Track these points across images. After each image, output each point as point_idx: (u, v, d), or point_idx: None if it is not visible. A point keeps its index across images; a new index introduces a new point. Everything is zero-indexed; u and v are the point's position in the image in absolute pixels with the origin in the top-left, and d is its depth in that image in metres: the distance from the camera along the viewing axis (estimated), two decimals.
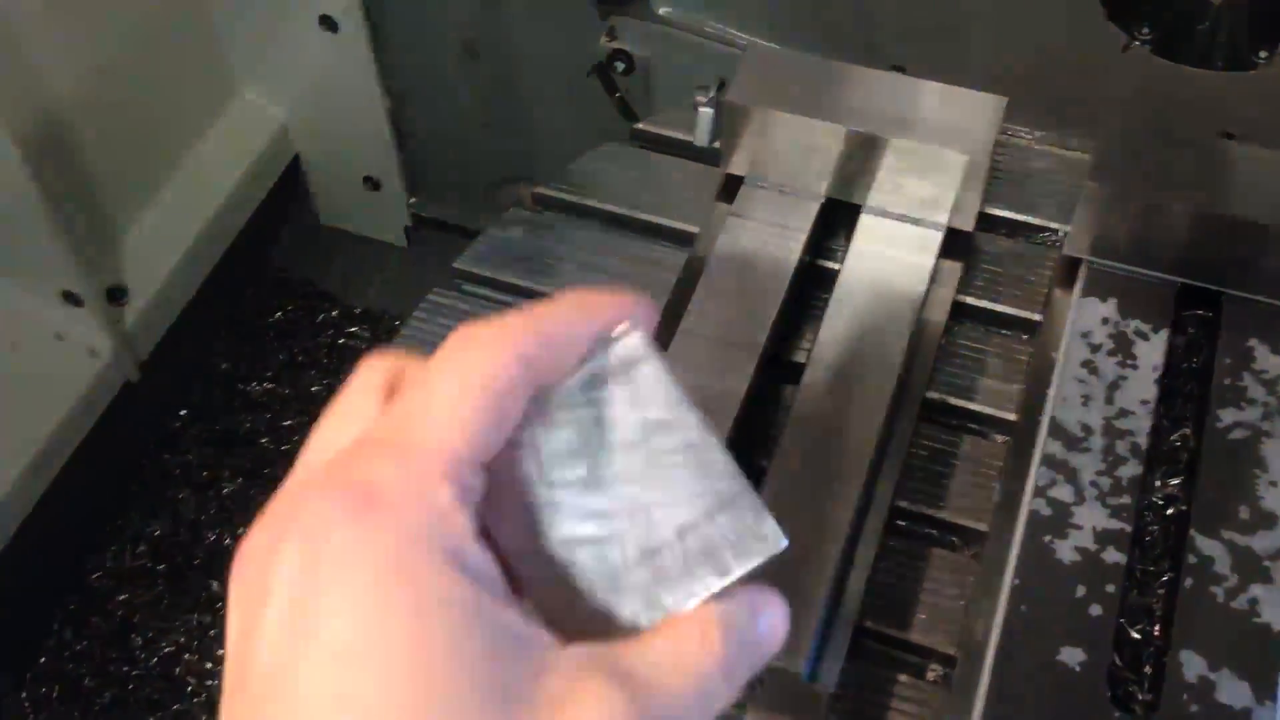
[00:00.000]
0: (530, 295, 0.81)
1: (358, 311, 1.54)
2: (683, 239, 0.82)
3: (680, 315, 0.74)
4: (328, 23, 1.29)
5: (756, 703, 0.64)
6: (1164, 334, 0.71)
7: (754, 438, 0.73)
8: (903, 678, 0.67)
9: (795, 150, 0.76)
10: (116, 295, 1.25)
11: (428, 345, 0.79)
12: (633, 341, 0.39)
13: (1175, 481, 0.68)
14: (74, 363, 1.20)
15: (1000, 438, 0.74)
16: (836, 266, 0.78)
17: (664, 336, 0.73)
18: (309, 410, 1.44)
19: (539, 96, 1.32)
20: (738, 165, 0.80)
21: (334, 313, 1.54)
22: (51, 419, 1.16)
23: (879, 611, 0.67)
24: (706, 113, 0.76)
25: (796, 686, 0.61)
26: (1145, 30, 0.94)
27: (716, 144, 0.78)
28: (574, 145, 1.35)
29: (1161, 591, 0.65)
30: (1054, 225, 0.82)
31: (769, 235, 0.77)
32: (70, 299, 1.17)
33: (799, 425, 0.69)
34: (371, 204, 1.50)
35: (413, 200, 1.50)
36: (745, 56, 0.77)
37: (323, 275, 1.57)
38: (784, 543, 0.38)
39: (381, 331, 1.52)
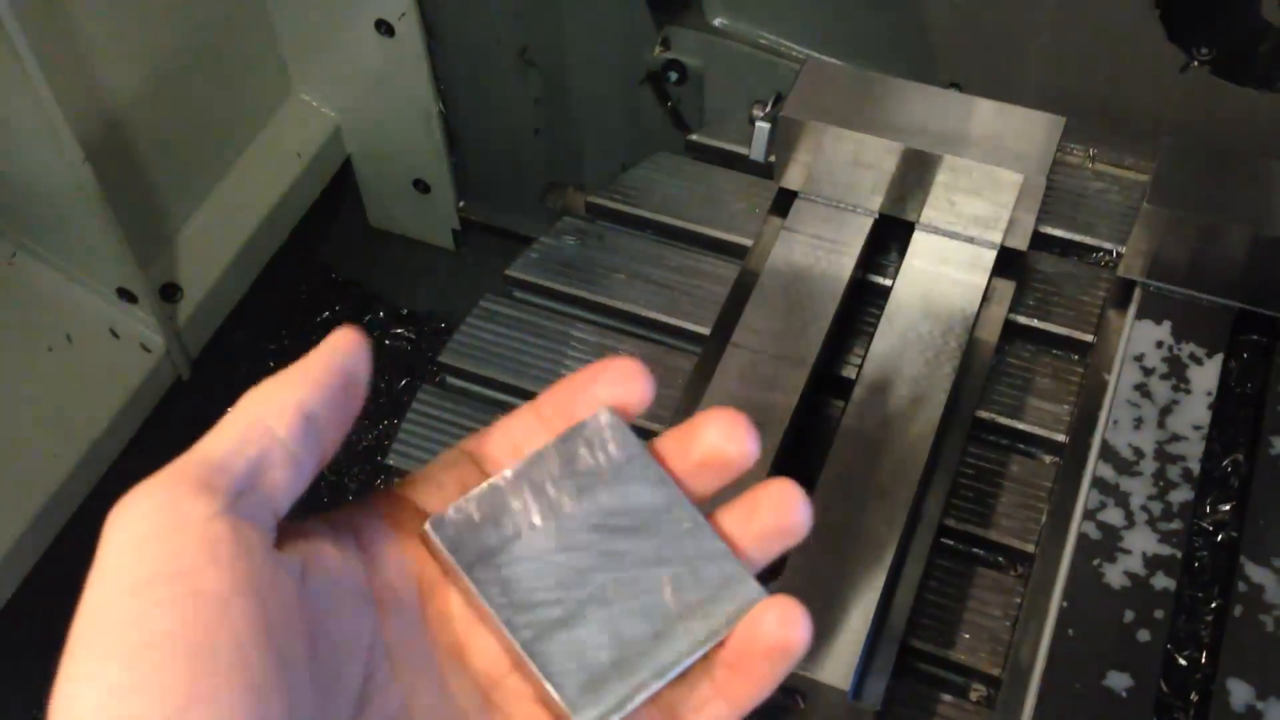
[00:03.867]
0: (581, 304, 0.81)
1: (405, 313, 1.55)
2: (735, 251, 0.82)
3: (731, 328, 0.74)
4: (384, 27, 1.30)
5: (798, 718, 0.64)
6: (1218, 358, 0.70)
7: (802, 452, 0.73)
8: (947, 697, 0.67)
9: (850, 166, 0.76)
10: (170, 293, 1.26)
11: (480, 349, 0.80)
12: (602, 419, 0.41)
13: (1226, 508, 0.68)
14: (128, 358, 1.21)
15: (1049, 458, 0.73)
16: (888, 282, 0.78)
17: (715, 349, 0.74)
18: None
19: (590, 104, 1.32)
20: (792, 179, 0.80)
21: (381, 314, 1.55)
22: (105, 413, 1.18)
23: (924, 630, 0.67)
24: (763, 127, 0.76)
25: (841, 704, 0.62)
26: (1205, 51, 0.93)
27: (771, 158, 0.78)
28: (623, 153, 1.36)
29: (1210, 619, 0.65)
30: (1108, 245, 0.82)
31: (822, 250, 0.77)
32: (125, 295, 1.19)
33: (848, 441, 0.69)
34: (420, 207, 1.52)
35: (461, 204, 1.51)
36: (803, 71, 0.77)
37: (370, 276, 1.59)
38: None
39: (427, 333, 1.53)
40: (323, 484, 1.38)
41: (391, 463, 0.75)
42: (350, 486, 1.38)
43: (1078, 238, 0.82)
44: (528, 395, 0.77)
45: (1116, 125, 0.89)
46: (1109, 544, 0.64)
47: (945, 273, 0.75)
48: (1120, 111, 0.96)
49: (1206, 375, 0.69)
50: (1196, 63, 0.94)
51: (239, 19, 1.31)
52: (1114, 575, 0.63)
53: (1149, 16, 0.93)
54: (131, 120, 1.20)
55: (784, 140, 0.77)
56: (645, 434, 0.73)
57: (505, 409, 0.77)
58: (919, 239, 0.77)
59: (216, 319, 1.33)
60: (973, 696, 0.67)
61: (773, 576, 0.64)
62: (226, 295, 1.34)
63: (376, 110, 1.41)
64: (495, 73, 1.33)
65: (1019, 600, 0.67)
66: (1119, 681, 0.60)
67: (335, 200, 1.52)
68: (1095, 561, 0.64)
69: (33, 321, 1.19)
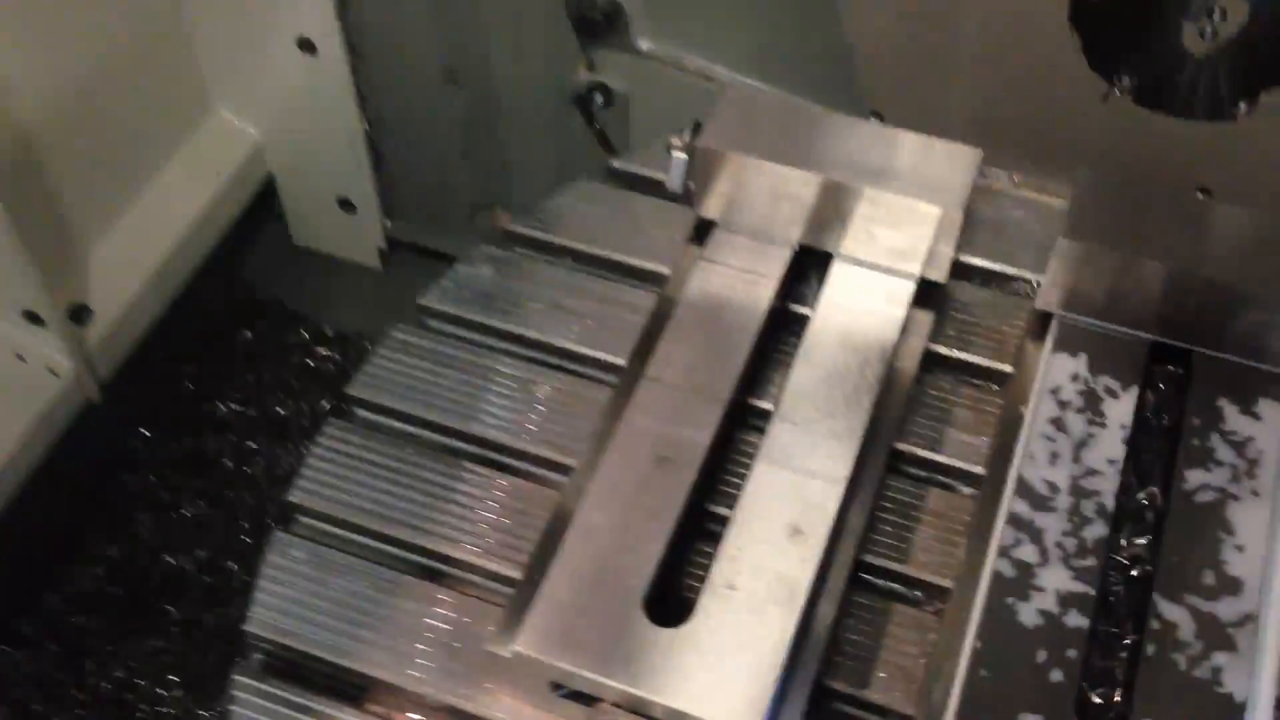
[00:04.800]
0: (497, 334, 0.79)
1: (329, 334, 1.52)
2: (654, 280, 0.81)
3: (647, 359, 0.73)
4: (306, 45, 1.27)
5: None
6: (1134, 391, 0.70)
7: (716, 487, 0.71)
8: None
9: (769, 196, 0.75)
10: (80, 315, 1.22)
11: (391, 382, 0.77)
12: None
13: (1141, 541, 0.67)
14: (34, 382, 1.17)
15: (969, 491, 0.73)
16: (807, 311, 0.77)
17: (631, 381, 0.72)
18: (275, 432, 1.43)
19: (518, 125, 1.31)
20: (710, 209, 0.79)
21: (304, 335, 1.52)
22: (10, 438, 1.14)
23: (840, 669, 0.66)
24: (680, 158, 0.75)
25: None
26: (1126, 80, 0.94)
27: (691, 186, 0.77)
28: (551, 174, 1.35)
29: (1124, 655, 0.64)
30: (1029, 275, 0.81)
31: (740, 281, 0.76)
32: (32, 318, 1.15)
33: (763, 475, 0.68)
34: (345, 226, 1.49)
35: (387, 223, 1.48)
36: (720, 98, 0.76)
37: (294, 296, 1.55)
38: None
39: (352, 354, 1.50)
40: (242, 508, 1.34)
41: (295, 499, 0.72)
42: (271, 511, 1.35)
43: (998, 267, 0.82)
44: (441, 430, 0.75)
45: (1040, 152, 0.89)
46: (1023, 581, 0.63)
47: (864, 304, 0.75)
48: (1043, 138, 0.97)
49: (1122, 408, 0.69)
50: (1118, 91, 0.94)
51: (156, 36, 1.27)
52: (1027, 614, 0.63)
53: (1072, 45, 0.93)
54: (39, 138, 1.16)
55: (702, 170, 0.76)
56: (560, 466, 0.72)
57: (418, 444, 0.74)
58: (837, 270, 0.76)
59: (130, 340, 1.29)
60: None
61: (683, 620, 0.63)
62: (140, 316, 1.30)
63: (300, 128, 1.38)
64: (421, 92, 1.31)
65: (934, 637, 0.67)
66: None
67: (258, 218, 1.49)
68: (1009, 600, 0.63)
69: None
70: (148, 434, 1.40)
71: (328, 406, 1.43)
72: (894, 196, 0.73)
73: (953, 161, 0.73)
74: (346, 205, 1.47)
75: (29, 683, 1.25)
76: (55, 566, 1.30)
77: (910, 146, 0.74)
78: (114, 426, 1.34)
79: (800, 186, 0.74)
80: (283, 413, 1.45)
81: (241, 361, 1.48)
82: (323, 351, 1.51)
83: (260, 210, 1.49)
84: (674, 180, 0.76)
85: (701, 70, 1.09)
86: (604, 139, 1.21)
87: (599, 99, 1.13)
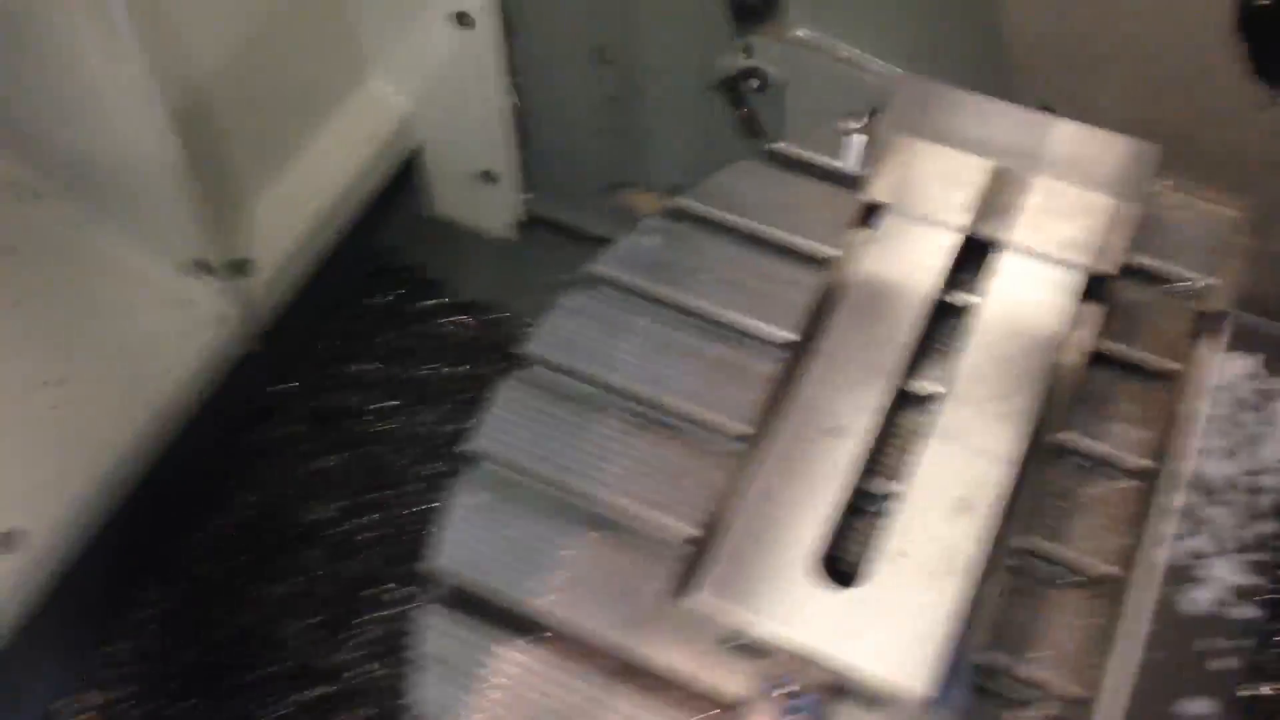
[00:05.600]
0: (665, 302, 0.82)
1: (461, 302, 1.57)
2: (817, 261, 0.83)
3: (815, 336, 0.75)
4: (463, 18, 1.31)
5: None
6: None
7: (881, 466, 0.73)
8: (1019, 713, 0.67)
9: (942, 182, 0.77)
10: (241, 267, 1.28)
11: (567, 341, 0.81)
12: None
13: None
14: (198, 330, 1.23)
15: (1130, 483, 0.74)
16: (969, 299, 0.78)
17: (800, 355, 0.75)
18: (409, 393, 1.48)
19: (662, 106, 1.33)
20: (880, 192, 0.81)
21: (440, 301, 1.57)
22: (174, 383, 1.20)
23: (1002, 645, 0.68)
24: (859, 139, 0.77)
25: (921, 709, 0.62)
26: None
27: (862, 171, 0.79)
28: (690, 157, 1.37)
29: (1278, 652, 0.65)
30: (1190, 275, 0.82)
31: (908, 264, 0.78)
32: (201, 267, 1.21)
33: (935, 455, 0.70)
34: (484, 198, 1.53)
35: (526, 197, 1.52)
36: (900, 86, 0.78)
37: (429, 264, 1.60)
38: None
39: (485, 323, 1.54)
40: (374, 465, 1.40)
41: (477, 447, 0.76)
42: (403, 467, 1.40)
43: (1161, 266, 0.82)
44: (614, 391, 0.78)
45: (1193, 157, 0.89)
46: (1195, 570, 0.65)
47: (1034, 294, 0.76)
48: (1198, 144, 0.97)
49: None
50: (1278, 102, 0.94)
51: (320, 2, 1.32)
52: (1199, 602, 0.64)
53: (1235, 53, 0.93)
54: (215, 94, 1.21)
55: (877, 153, 0.77)
56: (731, 433, 0.74)
57: (592, 402, 0.78)
58: (1007, 259, 0.78)
59: (283, 296, 1.34)
60: (1040, 713, 0.68)
61: (849, 584, 0.65)
62: (294, 273, 1.35)
63: (449, 100, 1.43)
64: (570, 70, 1.34)
65: (1097, 622, 0.68)
66: (1200, 708, 0.61)
67: (399, 185, 1.54)
68: (1181, 587, 0.64)
69: (110, 287, 1.21)
70: (288, 388, 1.45)
71: (465, 369, 1.48)
72: (1070, 188, 0.74)
73: (1130, 157, 0.74)
74: (488, 178, 1.51)
75: (162, 619, 1.31)
76: (201, 509, 1.36)
77: (1087, 140, 0.75)
78: (262, 378, 1.40)
79: (975, 173, 0.76)
80: (415, 375, 1.50)
81: (378, 324, 1.53)
82: (455, 318, 1.56)
83: (402, 178, 1.54)
84: (851, 161, 0.78)
85: (856, 60, 1.10)
86: (750, 124, 1.23)
87: (753, 84, 1.16)
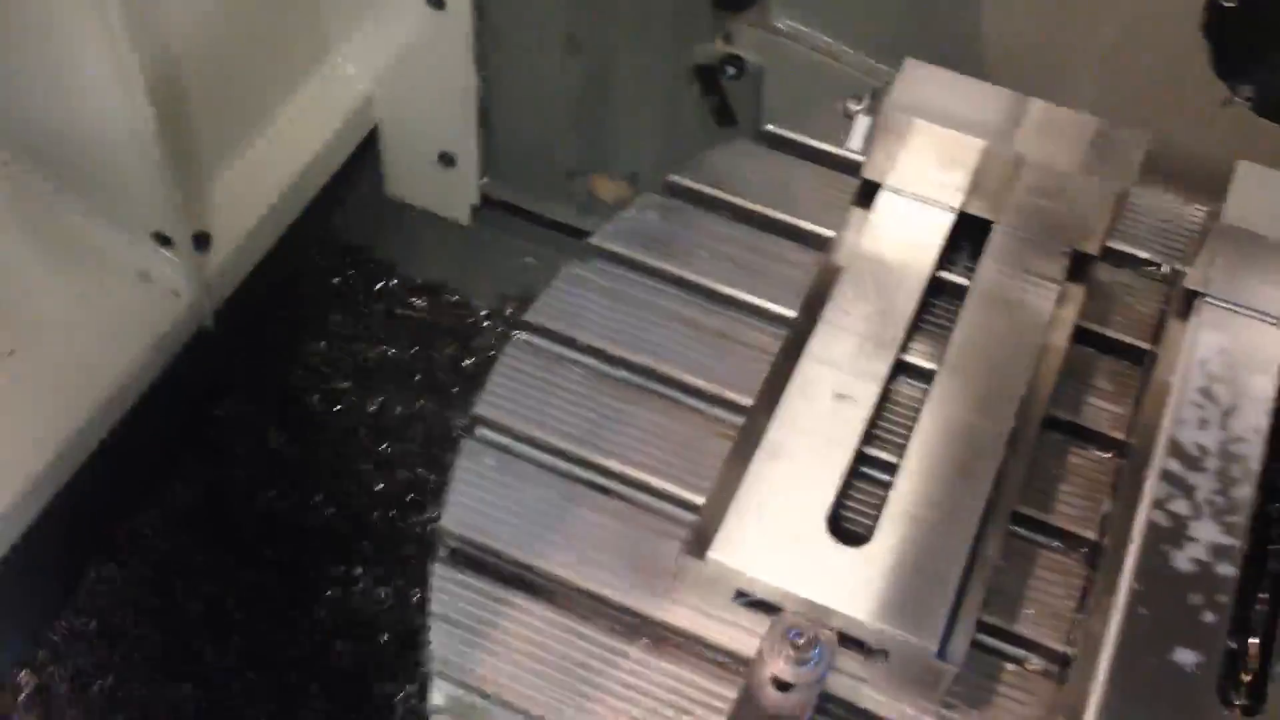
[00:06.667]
0: (665, 277, 0.84)
1: (417, 283, 1.56)
2: (814, 239, 0.86)
3: (817, 311, 0.78)
4: (436, 1, 1.31)
5: (879, 674, 0.67)
6: (1276, 368, 0.76)
7: (881, 435, 0.76)
8: (1009, 667, 0.70)
9: (942, 162, 0.80)
10: (202, 241, 1.26)
11: (566, 313, 0.81)
12: None
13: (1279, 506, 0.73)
14: (157, 303, 1.21)
15: (1107, 454, 0.78)
16: (962, 280, 0.82)
17: (803, 330, 0.77)
18: (360, 376, 1.47)
19: (630, 94, 1.35)
20: (878, 171, 0.83)
21: (393, 282, 1.56)
22: (132, 356, 1.17)
23: (993, 605, 0.71)
24: (865, 119, 0.80)
25: (924, 662, 0.65)
26: (1248, 89, 0.99)
27: (862, 151, 0.82)
28: (656, 144, 1.39)
29: (1259, 608, 0.69)
30: (1159, 260, 0.86)
31: (905, 242, 0.81)
32: (161, 240, 1.19)
33: (931, 425, 0.73)
34: (442, 180, 1.52)
35: (484, 180, 1.52)
36: (903, 68, 0.81)
37: (385, 245, 1.59)
38: None
39: (439, 305, 1.54)
40: (328, 447, 1.38)
41: (482, 412, 0.76)
42: (356, 450, 1.39)
43: (1133, 250, 0.87)
44: (617, 361, 0.79)
45: (1165, 154, 0.94)
46: (1177, 532, 0.68)
47: (1022, 271, 0.80)
48: (1169, 142, 1.02)
49: (1267, 384, 0.74)
50: (1238, 99, 1.00)
51: None
52: (1181, 561, 0.68)
53: (1199, 49, 0.98)
54: (183, 65, 1.19)
55: (881, 133, 0.80)
56: (732, 404, 0.76)
57: (594, 372, 0.79)
58: (998, 238, 0.81)
59: (240, 273, 1.33)
60: (1029, 668, 0.71)
61: (863, 543, 0.68)
62: (252, 250, 1.33)
63: (413, 80, 1.42)
64: (539, 55, 1.35)
65: (1081, 582, 0.72)
66: (1187, 658, 0.64)
67: (357, 165, 1.53)
68: (1164, 547, 0.68)
69: (68, 259, 1.18)
70: (245, 365, 1.43)
71: (415, 350, 1.47)
72: (1061, 171, 0.78)
73: (1122, 141, 0.78)
74: (446, 160, 1.50)
75: (119, 598, 1.28)
76: (153, 485, 1.34)
77: (1080, 124, 0.79)
78: (216, 355, 1.38)
79: (972, 154, 0.79)
80: (369, 357, 1.49)
81: (331, 304, 1.52)
82: (410, 300, 1.55)
83: (359, 159, 1.53)
84: (856, 141, 0.81)
85: (833, 50, 1.14)
86: (721, 111, 1.25)
87: (730, 71, 1.18)
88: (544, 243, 1.52)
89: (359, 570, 1.34)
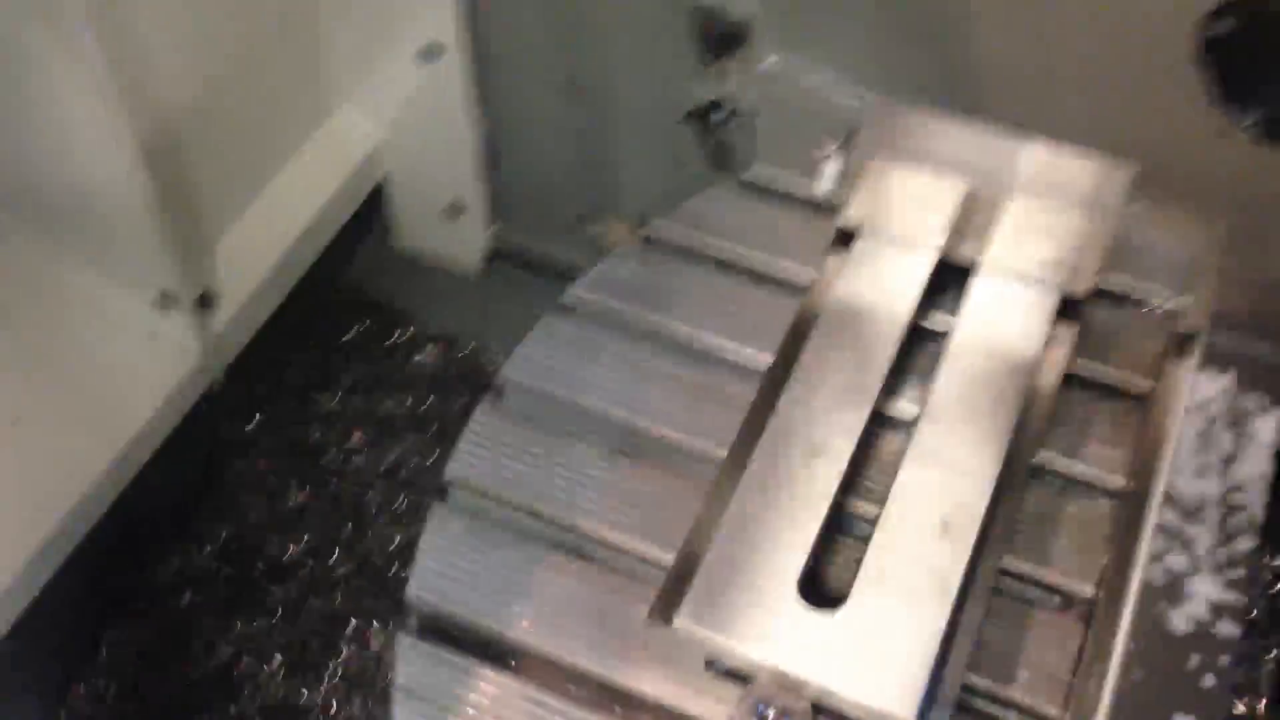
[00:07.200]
0: (641, 329, 0.82)
1: (429, 334, 1.56)
2: (794, 286, 0.83)
3: (793, 360, 0.75)
4: (433, 50, 1.31)
5: None
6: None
7: (859, 488, 0.73)
8: None
9: (916, 205, 0.77)
10: (207, 301, 1.27)
11: (539, 369, 0.80)
12: None
13: None
14: (164, 363, 1.21)
15: (1107, 502, 0.74)
16: (947, 322, 0.79)
17: (778, 380, 0.75)
18: (375, 429, 1.46)
19: (632, 137, 1.34)
20: (855, 217, 0.81)
21: (406, 334, 1.56)
22: (139, 417, 1.18)
23: (983, 667, 0.67)
24: (833, 164, 0.77)
25: None
26: (1250, 117, 0.95)
27: (837, 196, 0.80)
28: (660, 187, 1.37)
29: (1270, 668, 0.65)
30: (1164, 294, 0.82)
31: (882, 289, 0.78)
32: (167, 300, 1.19)
33: (911, 477, 0.70)
34: (452, 230, 1.52)
35: (494, 229, 1.52)
36: (871, 110, 0.78)
37: (397, 297, 1.59)
38: None
39: (453, 356, 1.53)
40: (344, 499, 1.38)
41: (451, 475, 0.75)
42: (372, 502, 1.38)
43: (1134, 285, 0.83)
44: (590, 416, 0.77)
45: (1163, 180, 0.90)
46: (1174, 589, 0.65)
47: (1008, 315, 0.76)
48: (1167, 167, 0.98)
49: (1269, 426, 0.70)
50: (1239, 128, 0.96)
51: (291, 33, 1.32)
52: (1179, 620, 0.64)
53: (1196, 81, 0.94)
54: (183, 125, 1.20)
55: (852, 178, 0.78)
56: (708, 458, 0.74)
57: (567, 428, 0.77)
58: (981, 281, 0.78)
59: (249, 330, 1.33)
60: None
61: (830, 607, 0.65)
62: (260, 307, 1.34)
63: (417, 131, 1.42)
64: (541, 101, 1.34)
65: (1077, 642, 0.68)
66: None
67: (365, 218, 1.53)
68: (1160, 605, 0.64)
69: (72, 321, 1.19)
70: (258, 422, 1.43)
71: (430, 401, 1.46)
72: (1043, 208, 0.75)
73: (1104, 177, 0.75)
74: (455, 210, 1.50)
75: (138, 657, 1.28)
76: (167, 544, 1.34)
77: (1060, 159, 0.76)
78: (227, 413, 1.38)
79: (950, 196, 0.76)
80: (383, 409, 1.49)
81: (345, 358, 1.52)
82: (423, 351, 1.55)
83: (369, 210, 1.53)
84: (825, 186, 0.78)
85: (826, 87, 1.11)
86: (718, 153, 1.23)
87: (719, 114, 1.16)
88: (558, 290, 1.51)
89: (374, 625, 1.32)
